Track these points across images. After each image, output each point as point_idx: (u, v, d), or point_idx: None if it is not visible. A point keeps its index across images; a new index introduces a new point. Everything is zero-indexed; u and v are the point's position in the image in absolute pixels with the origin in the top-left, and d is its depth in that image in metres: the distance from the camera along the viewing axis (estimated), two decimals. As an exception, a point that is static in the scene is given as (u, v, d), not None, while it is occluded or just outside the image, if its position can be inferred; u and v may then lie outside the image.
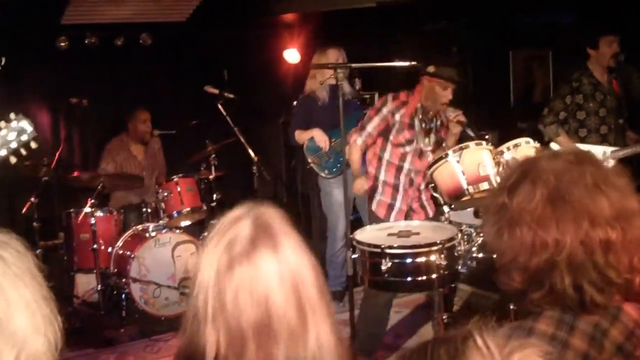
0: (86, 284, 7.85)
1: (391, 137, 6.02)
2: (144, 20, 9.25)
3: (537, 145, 5.33)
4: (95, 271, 7.57)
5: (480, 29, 10.05)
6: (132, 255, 7.37)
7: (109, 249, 7.74)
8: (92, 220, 7.54)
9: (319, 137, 7.36)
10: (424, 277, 4.69)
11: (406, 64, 5.71)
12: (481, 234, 5.07)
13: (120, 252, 7.63)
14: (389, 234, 5.07)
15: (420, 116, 5.99)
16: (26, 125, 3.84)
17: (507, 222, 2.07)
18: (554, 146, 6.95)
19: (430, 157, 6.04)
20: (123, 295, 7.42)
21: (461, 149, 5.08)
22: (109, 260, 7.69)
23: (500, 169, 4.97)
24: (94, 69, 9.28)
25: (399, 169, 6.08)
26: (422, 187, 6.15)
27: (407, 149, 6.03)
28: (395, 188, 6.12)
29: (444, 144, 6.07)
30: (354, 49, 7.47)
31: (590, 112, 7.05)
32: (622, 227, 1.98)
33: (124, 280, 7.40)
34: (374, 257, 4.71)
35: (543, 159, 2.13)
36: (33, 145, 3.90)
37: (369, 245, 4.78)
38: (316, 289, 1.96)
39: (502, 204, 2.11)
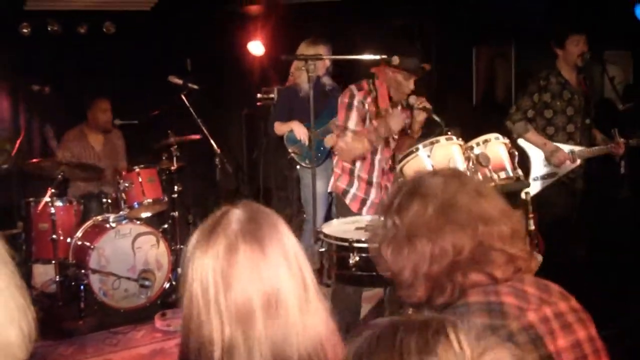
0: (44, 274, 7.76)
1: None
2: (108, 9, 9.18)
3: (507, 141, 5.35)
4: (53, 262, 7.43)
5: (444, 25, 10.08)
6: (92, 246, 7.27)
7: (68, 240, 7.62)
8: (52, 210, 7.41)
9: (298, 129, 7.39)
10: (391, 272, 4.67)
11: (377, 57, 5.70)
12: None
13: (80, 242, 7.52)
14: (357, 228, 5.03)
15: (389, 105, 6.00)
16: None
17: (405, 237, 2.22)
18: (522, 143, 7.02)
19: (393, 144, 6.12)
20: (82, 287, 7.28)
21: (432, 143, 5.04)
22: (67, 250, 7.57)
23: (470, 164, 4.97)
24: (56, 57, 9.21)
25: (372, 163, 6.07)
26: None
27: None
28: (369, 183, 6.10)
29: (408, 131, 6.07)
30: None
31: (557, 110, 7.09)
32: (508, 222, 2.24)
33: (83, 271, 7.28)
34: (342, 251, 4.65)
35: (424, 178, 2.33)
36: None
37: (337, 239, 4.74)
38: (311, 271, 2.09)
39: (393, 224, 2.26)
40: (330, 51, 7.31)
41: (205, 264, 1.97)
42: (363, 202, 6.09)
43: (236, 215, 2.06)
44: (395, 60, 5.64)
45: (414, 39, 10.06)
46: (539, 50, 9.02)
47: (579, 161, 6.96)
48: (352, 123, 5.88)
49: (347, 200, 6.15)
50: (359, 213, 5.99)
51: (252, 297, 1.93)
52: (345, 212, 6.06)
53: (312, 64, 5.33)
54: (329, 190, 6.43)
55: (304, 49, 7.31)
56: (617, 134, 6.98)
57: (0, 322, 1.61)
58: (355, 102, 5.88)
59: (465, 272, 2.18)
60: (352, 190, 6.14)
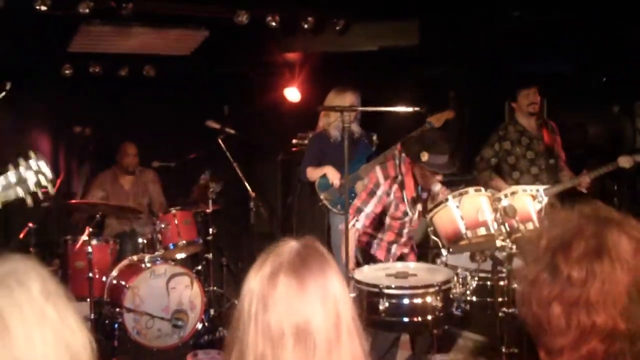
0: (79, 312, 7.81)
1: (390, 213, 6.11)
2: (148, 52, 9.36)
3: (534, 193, 5.46)
4: (89, 300, 7.45)
5: (477, 76, 10.19)
6: (127, 285, 7.36)
7: (104, 278, 7.73)
8: (89, 249, 7.45)
9: (331, 173, 7.38)
10: (420, 318, 4.79)
11: (410, 109, 5.76)
12: (476, 278, 5.16)
13: (115, 281, 7.63)
14: (387, 275, 5.16)
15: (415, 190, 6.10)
16: (44, 166, 3.84)
17: (584, 304, 1.92)
18: (491, 190, 7.25)
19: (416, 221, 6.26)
20: (116, 325, 7.36)
21: (460, 194, 5.18)
22: (103, 289, 7.67)
23: (498, 215, 5.08)
24: (97, 98, 9.40)
25: (399, 234, 6.23)
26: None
27: (405, 219, 6.15)
28: (396, 239, 6.28)
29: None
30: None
31: (518, 155, 7.71)
32: None
33: (117, 309, 7.37)
34: (372, 296, 4.80)
35: (612, 234, 1.98)
36: (50, 189, 3.90)
37: (368, 284, 4.87)
38: (351, 313, 2.20)
39: (568, 279, 1.96)
40: (358, 98, 7.38)
41: (253, 284, 2.18)
42: (388, 251, 6.23)
43: (290, 248, 2.22)
44: (424, 156, 5.70)
45: (448, 89, 10.18)
46: (570, 102, 9.23)
47: (546, 199, 7.15)
48: (369, 208, 5.98)
49: (373, 250, 6.29)
50: (386, 260, 6.08)
51: (283, 324, 2.10)
52: (369, 260, 6.13)
53: (347, 114, 5.41)
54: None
55: (332, 98, 7.39)
56: (585, 172, 7.49)
57: (78, 346, 1.79)
58: (379, 192, 5.98)
59: None
60: (376, 241, 6.29)
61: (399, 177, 6.01)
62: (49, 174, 3.83)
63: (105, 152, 9.29)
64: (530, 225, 5.27)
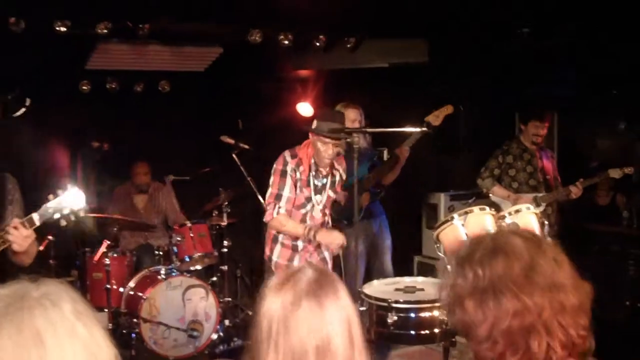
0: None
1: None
2: (164, 69, 9.55)
3: (537, 211, 5.64)
4: (106, 310, 7.67)
5: (486, 92, 10.31)
6: (144, 297, 7.53)
7: (121, 289, 7.94)
8: (107, 261, 7.73)
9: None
10: (427, 331, 4.97)
11: (417, 129, 5.92)
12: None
13: (132, 292, 7.82)
14: (396, 289, 5.34)
15: (314, 172, 6.10)
16: (80, 195, 4.21)
17: (490, 291, 2.26)
18: (494, 198, 8.21)
19: (319, 213, 6.21)
20: (133, 335, 7.53)
21: (466, 213, 5.35)
22: (120, 300, 7.87)
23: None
24: (113, 114, 9.58)
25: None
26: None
27: (308, 207, 6.11)
28: (294, 249, 6.19)
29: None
30: (364, 106, 7.66)
31: (519, 169, 8.40)
32: (576, 293, 2.27)
33: (134, 320, 7.53)
34: (381, 310, 4.99)
35: (505, 237, 2.39)
36: (81, 213, 4.27)
37: (377, 299, 5.05)
38: (360, 330, 2.40)
39: (474, 276, 2.31)
40: (361, 114, 7.40)
41: (273, 307, 2.33)
42: (290, 259, 6.19)
43: (307, 275, 2.40)
44: (314, 124, 5.91)
45: (457, 104, 10.32)
46: (581, 119, 9.41)
47: (543, 205, 7.63)
48: (287, 190, 5.97)
49: (273, 267, 6.25)
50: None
51: (306, 345, 2.27)
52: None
53: (357, 136, 5.59)
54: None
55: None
56: (580, 181, 8.07)
57: (105, 359, 1.98)
58: (289, 170, 5.99)
59: (541, 340, 2.19)
60: (274, 258, 6.24)
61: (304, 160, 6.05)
62: (82, 201, 4.19)
63: (122, 166, 9.46)
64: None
